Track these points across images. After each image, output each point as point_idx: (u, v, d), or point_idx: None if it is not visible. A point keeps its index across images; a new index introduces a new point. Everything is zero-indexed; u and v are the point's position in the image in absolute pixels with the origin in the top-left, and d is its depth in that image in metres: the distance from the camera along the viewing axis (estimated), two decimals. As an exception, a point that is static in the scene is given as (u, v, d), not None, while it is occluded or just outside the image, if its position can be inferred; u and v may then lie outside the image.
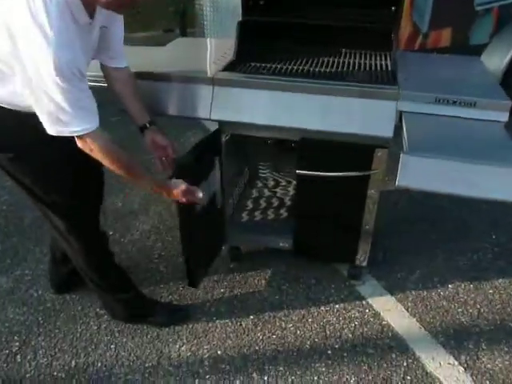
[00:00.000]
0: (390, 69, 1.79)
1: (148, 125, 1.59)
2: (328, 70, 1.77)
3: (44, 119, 1.20)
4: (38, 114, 1.20)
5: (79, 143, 1.26)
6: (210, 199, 1.79)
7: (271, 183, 2.51)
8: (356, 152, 1.70)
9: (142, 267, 2.19)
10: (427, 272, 2.16)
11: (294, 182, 2.38)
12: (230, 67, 1.78)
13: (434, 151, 1.31)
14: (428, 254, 2.28)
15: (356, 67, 1.82)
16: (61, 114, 1.17)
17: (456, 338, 1.82)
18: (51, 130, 1.20)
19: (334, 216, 1.91)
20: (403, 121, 1.51)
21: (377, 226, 1.91)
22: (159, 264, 2.21)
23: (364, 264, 2.00)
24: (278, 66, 1.79)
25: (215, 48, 2.25)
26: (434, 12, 3.12)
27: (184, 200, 1.47)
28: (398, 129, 1.55)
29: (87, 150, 1.28)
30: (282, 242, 2.06)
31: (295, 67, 1.79)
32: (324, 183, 1.77)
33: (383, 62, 1.87)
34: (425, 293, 2.05)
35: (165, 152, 1.63)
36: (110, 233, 2.33)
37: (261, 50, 1.88)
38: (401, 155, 1.27)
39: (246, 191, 2.40)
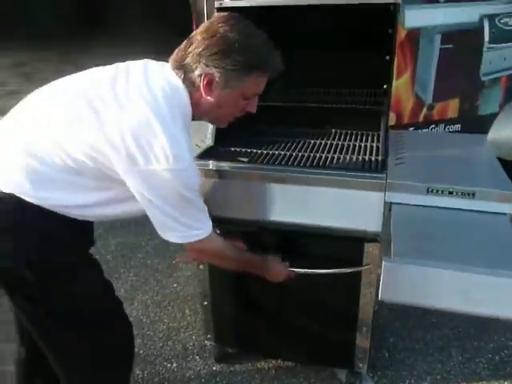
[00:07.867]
0: (379, 154, 1.61)
1: None
2: (312, 155, 1.61)
3: (163, 228, 1.16)
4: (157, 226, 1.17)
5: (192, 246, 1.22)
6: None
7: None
8: (344, 247, 1.50)
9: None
10: (440, 380, 1.86)
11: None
12: (206, 154, 1.64)
13: (425, 256, 1.11)
14: (440, 353, 1.98)
15: (344, 150, 1.67)
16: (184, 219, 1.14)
17: None
18: (172, 237, 1.18)
19: (324, 316, 1.68)
20: (391, 215, 1.32)
21: (377, 325, 1.66)
22: (135, 365, 1.98)
23: (363, 370, 1.73)
24: (259, 151, 1.65)
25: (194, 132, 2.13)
26: (438, 84, 3.01)
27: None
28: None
29: (196, 253, 1.30)
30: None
31: (276, 152, 1.64)
32: (311, 280, 1.56)
33: (374, 144, 1.71)
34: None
35: None
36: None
37: (241, 133, 1.75)
38: (383, 263, 1.07)
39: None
